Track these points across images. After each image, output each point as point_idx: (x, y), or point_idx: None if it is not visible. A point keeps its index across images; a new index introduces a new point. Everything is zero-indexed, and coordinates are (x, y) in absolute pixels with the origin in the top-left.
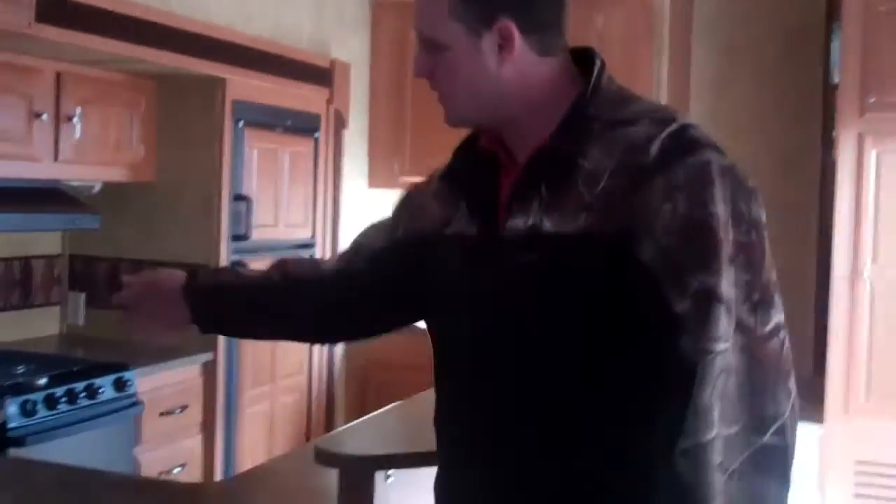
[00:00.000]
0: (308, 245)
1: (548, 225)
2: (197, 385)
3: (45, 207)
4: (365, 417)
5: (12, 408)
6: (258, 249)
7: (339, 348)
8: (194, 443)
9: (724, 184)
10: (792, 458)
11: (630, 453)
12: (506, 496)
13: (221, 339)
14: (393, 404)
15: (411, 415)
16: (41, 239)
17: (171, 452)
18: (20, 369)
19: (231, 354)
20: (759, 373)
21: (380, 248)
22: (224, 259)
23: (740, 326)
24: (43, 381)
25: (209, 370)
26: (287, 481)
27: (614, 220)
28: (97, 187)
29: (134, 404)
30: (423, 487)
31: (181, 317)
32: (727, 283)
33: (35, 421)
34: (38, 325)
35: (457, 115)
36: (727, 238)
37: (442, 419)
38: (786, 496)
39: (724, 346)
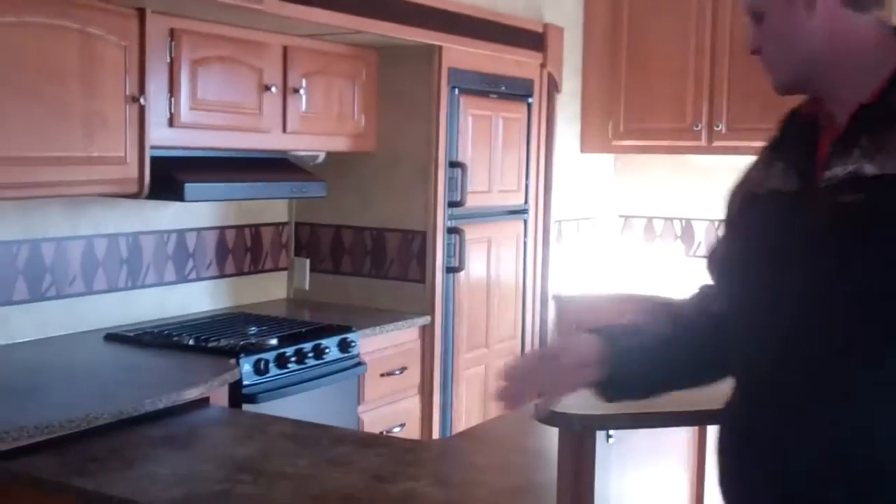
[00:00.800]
0: (521, 211)
1: (869, 168)
2: (415, 347)
3: (275, 176)
4: None
5: (246, 366)
6: (472, 216)
7: (549, 313)
8: (413, 403)
9: None
10: None
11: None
12: (810, 430)
13: (438, 302)
14: None
15: None
16: (270, 207)
17: (391, 412)
18: (252, 330)
19: (447, 318)
20: None
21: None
22: (440, 226)
23: None
24: (273, 341)
25: (427, 333)
26: (504, 440)
27: None
28: (321, 157)
29: (357, 364)
30: (643, 449)
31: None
32: None
33: (267, 379)
34: (267, 289)
35: (781, 79)
36: None
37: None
38: None
39: None
